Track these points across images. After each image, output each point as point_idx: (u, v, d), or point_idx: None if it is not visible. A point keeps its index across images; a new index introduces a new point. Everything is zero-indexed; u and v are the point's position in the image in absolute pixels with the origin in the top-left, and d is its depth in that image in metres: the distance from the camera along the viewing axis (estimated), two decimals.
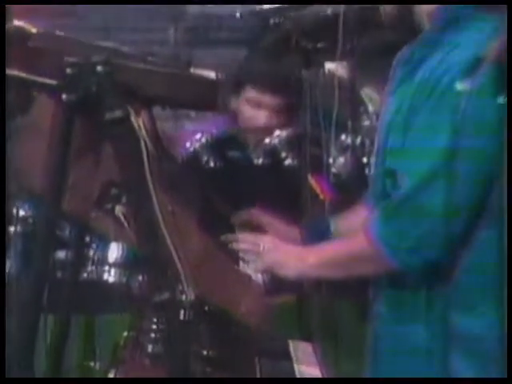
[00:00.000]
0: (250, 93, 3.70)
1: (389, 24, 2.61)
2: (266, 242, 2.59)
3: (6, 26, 2.49)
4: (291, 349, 2.66)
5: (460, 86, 2.16)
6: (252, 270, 2.60)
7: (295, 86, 3.58)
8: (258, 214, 2.81)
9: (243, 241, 2.65)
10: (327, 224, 2.78)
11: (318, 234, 2.73)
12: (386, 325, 2.59)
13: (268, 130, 3.67)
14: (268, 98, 3.67)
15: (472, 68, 2.13)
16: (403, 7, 2.54)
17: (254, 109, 3.69)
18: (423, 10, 2.54)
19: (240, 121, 3.71)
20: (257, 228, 2.73)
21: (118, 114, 2.39)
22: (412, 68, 2.54)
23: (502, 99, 1.82)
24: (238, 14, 3.77)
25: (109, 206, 2.45)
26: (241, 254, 2.63)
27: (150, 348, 2.41)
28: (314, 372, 2.58)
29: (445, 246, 2.37)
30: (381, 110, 3.57)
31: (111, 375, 2.47)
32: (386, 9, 2.58)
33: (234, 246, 2.65)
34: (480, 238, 2.37)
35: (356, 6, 3.24)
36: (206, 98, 2.73)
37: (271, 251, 2.57)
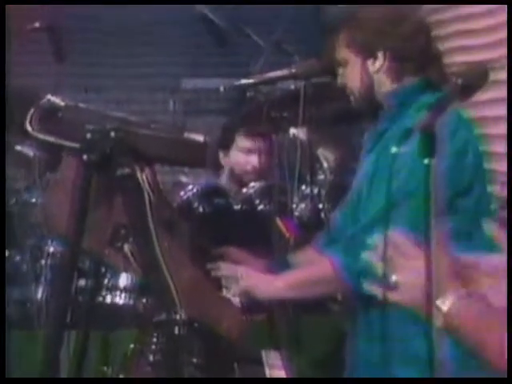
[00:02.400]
0: (242, 142, 3.72)
1: (355, 102, 2.62)
2: (242, 270, 2.59)
3: (41, 102, 2.49)
4: (263, 356, 2.64)
5: (394, 150, 2.18)
6: (231, 294, 2.58)
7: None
8: (235, 251, 2.80)
9: (224, 269, 2.65)
10: (287, 260, 2.78)
11: (280, 267, 2.72)
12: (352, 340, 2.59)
13: (260, 172, 3.68)
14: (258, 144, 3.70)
15: (404, 136, 2.15)
16: (368, 91, 2.56)
17: (247, 155, 3.71)
18: (382, 92, 2.55)
19: (235, 169, 3.71)
20: (234, 261, 2.73)
21: (126, 170, 2.38)
22: (376, 139, 2.57)
23: (427, 161, 1.81)
24: (221, 89, 3.77)
25: (119, 244, 2.44)
26: (222, 282, 2.61)
27: (151, 357, 2.38)
28: (281, 373, 2.55)
29: None
30: (333, 166, 3.60)
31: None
32: (354, 93, 2.59)
33: (218, 273, 2.64)
34: None
35: (315, 85, 3.25)
36: (196, 157, 2.73)
37: (246, 278, 2.56)
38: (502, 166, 3.43)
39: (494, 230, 1.85)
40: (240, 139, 3.75)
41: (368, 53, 2.53)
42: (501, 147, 3.44)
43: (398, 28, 2.52)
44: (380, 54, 2.52)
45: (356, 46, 2.55)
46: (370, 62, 2.53)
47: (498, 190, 3.42)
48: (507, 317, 1.54)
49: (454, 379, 1.93)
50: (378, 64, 2.52)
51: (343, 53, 2.58)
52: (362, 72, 2.54)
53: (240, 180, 3.69)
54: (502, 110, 3.43)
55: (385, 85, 2.54)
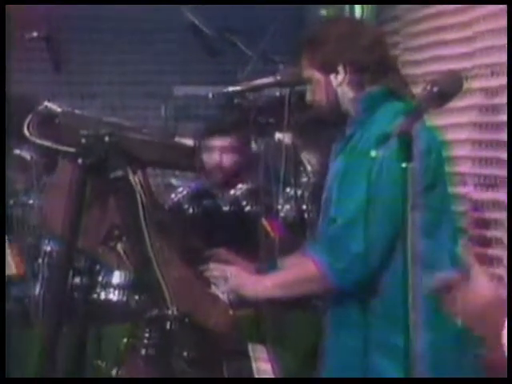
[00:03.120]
0: (206, 142, 3.68)
1: (324, 115, 2.64)
2: (231, 270, 2.59)
3: (39, 108, 2.48)
4: (250, 349, 2.64)
5: (373, 153, 2.18)
6: (220, 292, 2.58)
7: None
8: (225, 252, 2.79)
9: (214, 269, 2.64)
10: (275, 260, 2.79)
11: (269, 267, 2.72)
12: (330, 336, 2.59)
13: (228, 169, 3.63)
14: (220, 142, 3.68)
15: (382, 140, 2.15)
16: (334, 104, 2.58)
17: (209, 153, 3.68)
18: (346, 101, 2.57)
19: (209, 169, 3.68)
20: (224, 261, 2.72)
21: (119, 173, 2.38)
22: (344, 143, 2.58)
23: (404, 164, 1.81)
24: (210, 95, 3.76)
25: (112, 243, 2.44)
26: (212, 280, 2.61)
27: (143, 351, 2.38)
28: (267, 367, 2.56)
29: (367, 269, 2.39)
30: (316, 169, 3.60)
31: (114, 372, 2.46)
32: (322, 107, 2.60)
33: (208, 273, 2.63)
34: (393, 263, 2.40)
35: (299, 92, 3.25)
36: (186, 161, 2.73)
37: (235, 277, 2.56)
38: (469, 168, 3.45)
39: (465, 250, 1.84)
40: (206, 140, 3.71)
41: (329, 69, 2.55)
42: (472, 151, 3.46)
43: (355, 42, 2.54)
44: (340, 68, 2.54)
45: (317, 63, 2.57)
46: (332, 77, 2.55)
47: (462, 190, 3.45)
48: (507, 317, 1.52)
49: (454, 379, 1.90)
50: (340, 78, 2.54)
51: (307, 71, 2.60)
52: (326, 87, 2.56)
53: (213, 178, 3.63)
54: (475, 117, 3.44)
55: (348, 95, 2.56)
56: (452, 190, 2.79)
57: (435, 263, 2.27)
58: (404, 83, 2.58)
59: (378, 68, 2.54)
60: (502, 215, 3.19)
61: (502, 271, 3.18)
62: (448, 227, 2.51)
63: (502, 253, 3.21)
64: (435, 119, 2.57)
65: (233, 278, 2.55)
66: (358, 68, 2.53)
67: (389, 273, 2.40)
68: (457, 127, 3.54)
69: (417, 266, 1.76)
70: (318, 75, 2.57)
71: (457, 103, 2.91)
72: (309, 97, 2.64)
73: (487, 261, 3.30)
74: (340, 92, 2.56)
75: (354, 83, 2.54)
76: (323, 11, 3.83)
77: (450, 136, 3.50)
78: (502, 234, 3.20)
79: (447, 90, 1.94)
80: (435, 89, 1.90)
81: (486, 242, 3.32)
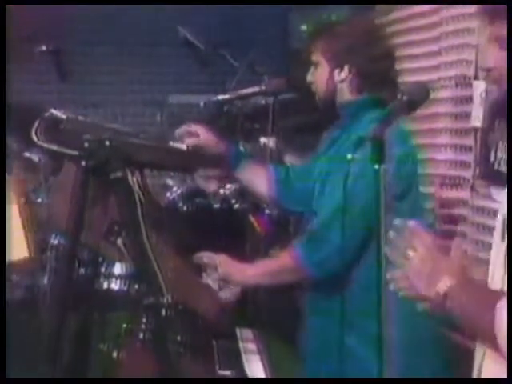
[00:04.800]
0: None
1: (318, 100, 2.59)
2: (219, 258, 2.57)
3: (45, 115, 2.46)
4: (238, 333, 2.63)
5: (349, 156, 2.18)
6: (210, 280, 2.57)
7: None
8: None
9: (205, 257, 2.62)
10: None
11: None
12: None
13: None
14: None
15: (358, 144, 2.15)
16: (330, 95, 2.55)
17: None
18: (340, 101, 2.54)
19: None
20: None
21: (119, 174, 2.36)
22: (330, 143, 2.57)
23: (376, 166, 1.80)
24: (201, 103, 3.75)
25: (113, 238, 2.42)
26: (203, 270, 2.60)
27: (141, 335, 2.36)
28: (253, 347, 2.56)
29: (342, 262, 2.38)
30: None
31: (115, 354, 2.44)
32: (319, 93, 2.57)
33: (199, 260, 2.59)
34: (366, 258, 2.39)
35: (282, 100, 3.24)
36: (180, 163, 2.72)
37: (223, 265, 2.54)
38: (437, 170, 3.46)
39: None
40: None
41: (337, 63, 2.50)
42: (440, 155, 3.46)
43: (368, 49, 2.48)
44: (346, 68, 2.49)
45: (328, 54, 2.51)
46: (336, 72, 2.51)
47: (435, 190, 3.45)
48: (507, 317, 1.47)
49: (454, 379, 1.80)
50: (343, 75, 2.50)
51: (317, 56, 2.54)
52: (329, 77, 2.52)
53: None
54: (441, 123, 3.45)
55: (345, 94, 2.52)
56: (426, 190, 2.79)
57: None
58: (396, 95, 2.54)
59: (380, 78, 2.50)
60: (467, 211, 3.20)
61: (466, 262, 3.19)
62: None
63: (466, 246, 3.21)
64: (410, 125, 2.57)
65: (221, 266, 2.53)
66: (362, 73, 2.49)
67: (364, 265, 2.39)
68: (427, 133, 3.54)
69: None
70: (324, 63, 2.52)
71: (424, 111, 2.92)
72: (309, 78, 2.59)
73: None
74: (339, 87, 2.52)
75: (354, 85, 2.50)
76: (304, 26, 3.81)
77: (420, 141, 3.51)
78: (467, 228, 3.21)
79: (415, 99, 1.94)
80: (404, 98, 1.90)
81: (450, 236, 3.33)
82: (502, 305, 1.49)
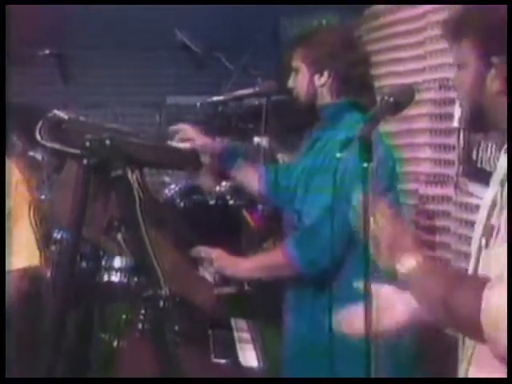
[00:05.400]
0: None
1: (299, 104, 2.60)
2: (215, 253, 2.58)
3: (49, 116, 2.46)
4: (232, 323, 2.65)
5: (338, 155, 2.18)
6: (207, 273, 2.58)
7: None
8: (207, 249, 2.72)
9: (201, 252, 2.63)
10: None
11: None
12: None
13: None
14: None
15: (346, 143, 2.15)
16: (311, 99, 2.56)
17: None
18: (324, 99, 2.55)
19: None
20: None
21: (119, 172, 2.36)
22: (312, 144, 2.58)
23: (365, 164, 1.81)
24: (198, 104, 3.74)
25: (113, 233, 2.43)
26: (199, 264, 2.61)
27: (140, 326, 2.37)
28: (246, 336, 2.56)
29: (332, 260, 2.38)
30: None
31: (115, 343, 2.45)
32: (300, 97, 2.58)
33: (197, 254, 2.61)
34: (353, 254, 2.39)
35: (274, 101, 3.24)
36: (177, 161, 2.73)
37: (218, 259, 2.56)
38: (422, 168, 3.47)
39: None
40: None
41: (316, 69, 2.53)
42: (424, 153, 3.48)
43: (346, 55, 2.51)
44: (326, 73, 2.52)
45: (309, 60, 2.54)
46: (316, 77, 2.54)
47: (416, 187, 3.46)
48: (507, 317, 1.44)
49: (454, 379, 1.72)
50: (323, 80, 2.53)
51: (297, 62, 2.57)
52: (309, 83, 2.55)
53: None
54: (425, 124, 3.46)
55: (325, 98, 2.54)
56: (404, 186, 2.80)
57: None
58: (374, 100, 2.54)
59: (357, 83, 2.53)
60: (451, 207, 3.22)
61: (449, 255, 3.20)
62: None
63: (449, 239, 3.23)
64: (393, 126, 2.58)
65: (217, 260, 2.54)
66: (341, 78, 2.51)
67: (351, 260, 2.39)
68: (412, 132, 3.56)
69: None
70: (305, 69, 2.55)
71: (410, 112, 2.93)
72: (290, 83, 2.62)
73: (436, 247, 3.33)
74: (319, 92, 2.54)
75: (334, 89, 2.52)
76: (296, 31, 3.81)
77: (406, 140, 3.53)
78: (451, 223, 3.22)
79: (401, 100, 1.94)
80: (391, 99, 1.91)
81: (435, 231, 3.35)
82: (490, 293, 1.47)
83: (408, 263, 1.61)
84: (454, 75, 1.73)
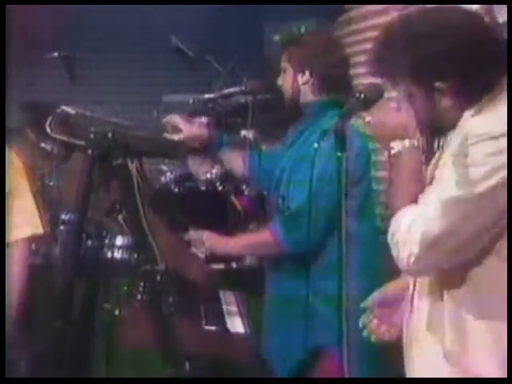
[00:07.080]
0: None
1: (286, 101, 2.59)
2: (205, 234, 2.56)
3: (58, 111, 2.44)
4: (221, 295, 2.64)
5: (315, 145, 2.18)
6: (198, 251, 2.57)
7: None
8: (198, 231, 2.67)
9: (193, 234, 2.61)
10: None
11: None
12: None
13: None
14: None
15: (322, 136, 2.14)
16: (296, 96, 2.55)
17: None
18: (303, 101, 2.54)
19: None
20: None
21: (120, 161, 2.36)
22: (298, 136, 2.57)
23: (339, 154, 1.80)
24: (191, 101, 3.71)
25: (115, 214, 2.42)
26: (192, 245, 2.59)
27: (139, 297, 2.37)
28: (233, 309, 2.56)
29: (314, 239, 2.36)
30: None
31: (117, 312, 2.44)
32: (286, 94, 2.56)
33: (188, 236, 2.61)
34: (332, 234, 2.37)
35: (260, 99, 3.22)
36: (172, 151, 2.72)
37: (209, 240, 2.54)
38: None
39: None
40: None
41: (299, 69, 2.51)
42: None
43: (326, 56, 2.49)
44: (307, 73, 2.50)
45: (293, 61, 2.52)
46: (299, 76, 2.52)
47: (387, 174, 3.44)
48: (507, 317, 1.41)
49: (454, 379, 1.54)
50: (305, 79, 2.51)
51: (284, 63, 2.57)
52: (294, 81, 2.53)
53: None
54: None
55: (308, 95, 2.53)
56: (377, 173, 2.79)
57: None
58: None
59: (337, 81, 2.51)
60: None
61: None
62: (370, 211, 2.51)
63: None
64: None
65: (207, 240, 2.53)
66: (322, 77, 2.49)
67: (330, 241, 2.36)
68: None
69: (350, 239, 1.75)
70: (290, 69, 2.53)
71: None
72: (279, 82, 2.61)
73: None
74: (302, 90, 2.52)
75: (316, 88, 2.51)
76: (276, 37, 3.79)
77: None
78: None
79: (371, 97, 1.94)
80: (362, 96, 1.91)
81: None
82: (408, 209, 1.54)
83: (402, 143, 1.66)
84: (408, 104, 1.73)
